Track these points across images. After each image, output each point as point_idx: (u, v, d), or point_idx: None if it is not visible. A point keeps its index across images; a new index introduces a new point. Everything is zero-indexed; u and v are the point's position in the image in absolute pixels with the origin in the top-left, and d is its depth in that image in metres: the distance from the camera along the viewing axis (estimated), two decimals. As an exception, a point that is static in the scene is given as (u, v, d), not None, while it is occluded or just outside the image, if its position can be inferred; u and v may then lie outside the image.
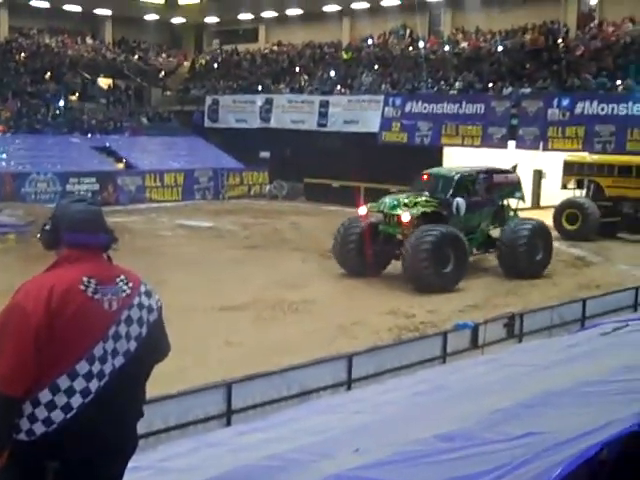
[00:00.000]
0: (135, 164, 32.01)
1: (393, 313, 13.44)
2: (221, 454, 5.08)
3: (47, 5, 39.09)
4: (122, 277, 3.25)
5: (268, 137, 33.53)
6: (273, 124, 34.15)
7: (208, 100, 37.10)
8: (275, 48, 41.16)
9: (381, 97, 30.92)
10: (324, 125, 32.43)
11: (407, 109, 29.64)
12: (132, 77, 39.96)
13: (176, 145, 35.15)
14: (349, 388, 7.30)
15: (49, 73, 36.78)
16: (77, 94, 36.33)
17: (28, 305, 3.00)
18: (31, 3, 38.71)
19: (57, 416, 3.03)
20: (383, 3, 36.48)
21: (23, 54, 37.60)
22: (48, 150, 30.80)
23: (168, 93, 40.52)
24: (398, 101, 30.17)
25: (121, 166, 32.07)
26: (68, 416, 3.04)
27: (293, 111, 33.63)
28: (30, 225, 19.76)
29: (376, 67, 34.68)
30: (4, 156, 29.57)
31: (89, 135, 33.20)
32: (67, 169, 29.15)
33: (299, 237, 22.06)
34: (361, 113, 31.30)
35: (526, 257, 16.74)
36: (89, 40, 42.19)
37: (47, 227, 3.27)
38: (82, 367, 3.05)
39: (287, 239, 21.79)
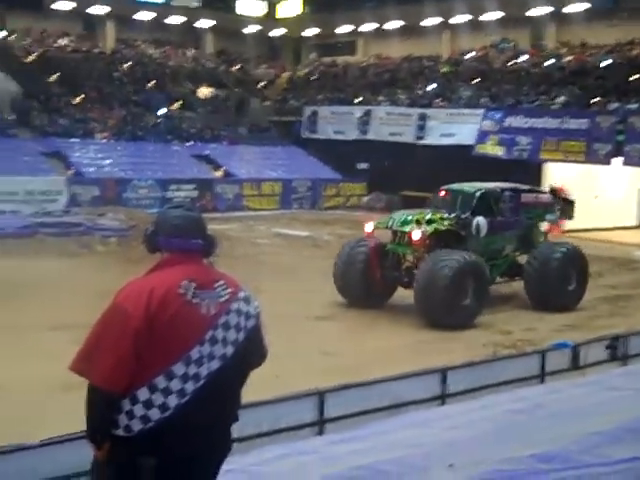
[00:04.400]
0: (233, 172, 32.50)
1: (488, 328, 13.16)
2: (312, 462, 5.07)
3: (151, 17, 40.23)
4: (221, 282, 3.31)
5: (366, 149, 33.53)
6: (371, 136, 34.14)
7: (307, 111, 37.38)
8: (373, 61, 41.24)
9: (480, 111, 30.54)
10: (421, 138, 32.26)
11: (506, 123, 29.17)
12: (232, 87, 40.66)
13: (274, 155, 35.52)
14: (443, 403, 7.16)
15: (152, 83, 37.77)
16: (178, 103, 37.17)
17: (129, 307, 3.09)
18: (136, 16, 39.91)
19: (154, 414, 3.09)
20: (484, 17, 36.10)
21: (127, 64, 38.74)
22: (149, 157, 31.63)
23: (267, 103, 41.04)
24: (497, 115, 29.73)
25: (220, 174, 32.59)
26: (164, 415, 3.10)
27: (391, 123, 33.57)
28: (131, 229, 20.22)
29: (475, 80, 34.34)
30: (108, 162, 30.49)
31: (189, 143, 33.91)
32: (167, 176, 29.88)
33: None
34: (459, 126, 30.99)
35: (557, 287, 14.68)
36: (190, 51, 43.18)
37: (148, 232, 3.37)
38: (179, 368, 3.11)
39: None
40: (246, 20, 42.95)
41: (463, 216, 14.63)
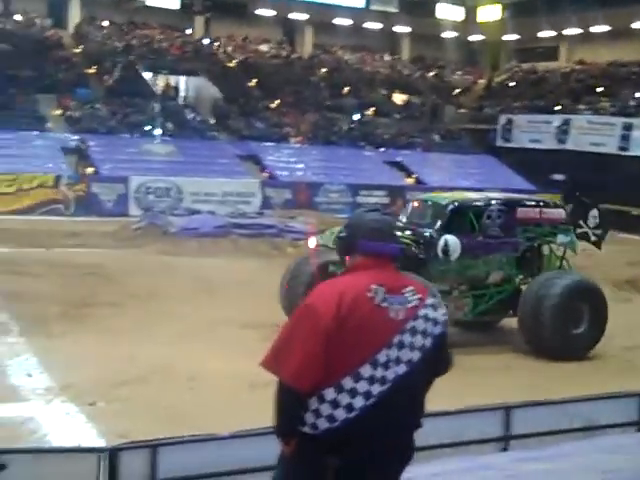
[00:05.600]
0: (425, 180, 32.33)
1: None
2: (495, 478, 4.92)
3: (349, 23, 40.85)
4: (410, 288, 3.31)
5: (562, 159, 32.36)
6: (569, 146, 32.93)
7: (502, 119, 36.61)
8: (577, 67, 39.79)
9: (694, 121, 28.75)
10: (625, 149, 30.74)
11: None
12: (427, 94, 40.53)
13: (466, 163, 34.99)
14: (640, 430, 6.73)
15: (347, 88, 38.31)
16: (372, 109, 37.46)
17: (320, 308, 3.16)
18: (334, 21, 40.66)
19: (339, 414, 3.14)
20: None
21: (324, 70, 39.55)
22: (342, 162, 32.08)
23: (462, 111, 40.59)
24: None
25: (411, 181, 32.55)
26: (350, 416, 3.14)
27: (592, 133, 32.25)
28: (321, 233, 20.48)
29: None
30: (301, 166, 31.30)
31: (381, 149, 34.08)
32: (359, 181, 30.17)
33: (591, 264, 20.94)
34: (669, 137, 29.35)
35: (555, 328, 11.19)
36: (387, 57, 43.45)
37: (343, 234, 3.42)
38: (365, 370, 3.15)
39: (577, 265, 20.79)
40: (444, 25, 42.66)
41: (428, 233, 11.66)
